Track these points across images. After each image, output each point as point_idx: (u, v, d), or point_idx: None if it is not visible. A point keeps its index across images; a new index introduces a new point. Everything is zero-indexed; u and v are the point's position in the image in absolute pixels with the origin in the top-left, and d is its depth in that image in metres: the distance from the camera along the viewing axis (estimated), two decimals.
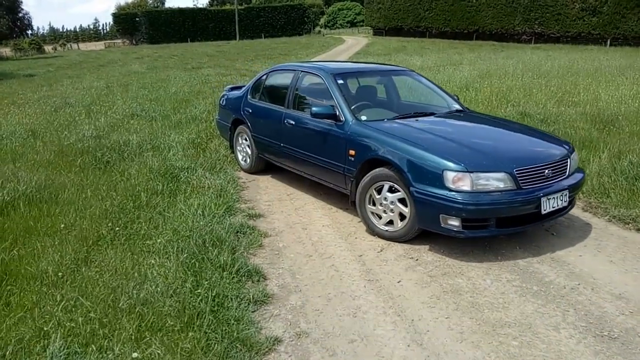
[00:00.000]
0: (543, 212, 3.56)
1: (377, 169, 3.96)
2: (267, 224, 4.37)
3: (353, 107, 4.45)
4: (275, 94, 5.57)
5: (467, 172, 3.42)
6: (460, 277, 3.38)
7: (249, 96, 5.84)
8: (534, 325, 2.80)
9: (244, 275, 3.25)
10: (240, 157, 6.13)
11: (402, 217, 3.89)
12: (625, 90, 10.65)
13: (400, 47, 32.87)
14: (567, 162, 3.85)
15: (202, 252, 3.43)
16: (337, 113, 4.37)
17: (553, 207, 3.63)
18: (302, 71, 5.13)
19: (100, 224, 3.97)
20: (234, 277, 3.18)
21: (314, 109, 4.41)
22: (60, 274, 3.19)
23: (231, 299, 2.93)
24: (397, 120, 4.36)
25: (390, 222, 3.97)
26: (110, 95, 12.73)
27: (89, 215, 4.13)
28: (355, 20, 58.59)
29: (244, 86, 6.66)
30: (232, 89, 6.59)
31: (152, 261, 3.34)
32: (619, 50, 26.44)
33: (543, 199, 3.54)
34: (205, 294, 2.88)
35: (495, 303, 3.05)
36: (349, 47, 35.44)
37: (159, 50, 39.50)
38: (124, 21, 56.25)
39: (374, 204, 4.05)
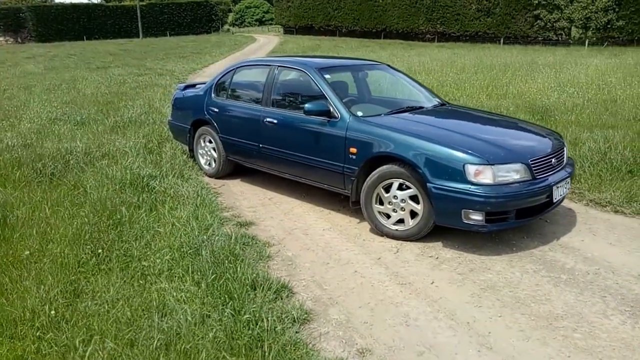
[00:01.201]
0: (554, 200, 3.62)
1: (384, 166, 3.79)
2: (263, 232, 4.02)
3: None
4: (248, 91, 5.18)
5: (489, 164, 3.37)
6: (489, 272, 3.32)
7: (212, 95, 5.38)
8: (585, 315, 2.80)
9: (275, 292, 2.91)
10: (203, 161, 5.64)
11: (412, 215, 3.77)
12: (541, 83, 11.53)
13: (314, 45, 33.01)
14: (564, 151, 3.97)
15: (218, 269, 3.03)
16: (331, 110, 4.14)
17: (560, 195, 3.71)
18: (279, 66, 4.81)
19: (77, 247, 3.38)
20: (265, 294, 2.83)
21: (307, 105, 4.13)
22: (52, 312, 2.64)
23: (273, 320, 2.60)
24: (394, 115, 4.22)
25: (400, 221, 3.83)
26: (13, 99, 11.28)
27: (58, 238, 3.50)
28: (264, 19, 57.99)
29: (198, 84, 6.18)
30: (186, 87, 6.06)
31: (163, 285, 2.89)
32: (512, 48, 28.74)
33: (554, 188, 3.59)
34: (247, 318, 2.52)
35: (536, 296, 3.01)
36: (262, 46, 34.93)
37: (53, 49, 36.05)
38: (6, 17, 50.57)
39: (381, 203, 3.88)
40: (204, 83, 6.12)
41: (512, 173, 3.44)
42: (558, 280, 3.20)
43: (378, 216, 3.91)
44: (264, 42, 38.54)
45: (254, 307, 2.65)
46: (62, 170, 4.96)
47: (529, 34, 33.11)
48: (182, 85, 6.06)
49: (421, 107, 4.58)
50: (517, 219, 3.51)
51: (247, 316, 2.52)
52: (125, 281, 2.97)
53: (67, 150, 5.45)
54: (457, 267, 3.40)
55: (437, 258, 3.55)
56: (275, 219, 4.35)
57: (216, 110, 5.27)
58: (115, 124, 7.30)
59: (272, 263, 3.46)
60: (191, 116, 5.63)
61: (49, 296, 2.79)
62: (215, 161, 5.47)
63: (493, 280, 3.21)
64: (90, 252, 3.31)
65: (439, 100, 4.92)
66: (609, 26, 30.36)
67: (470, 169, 3.38)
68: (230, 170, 5.48)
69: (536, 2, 32.21)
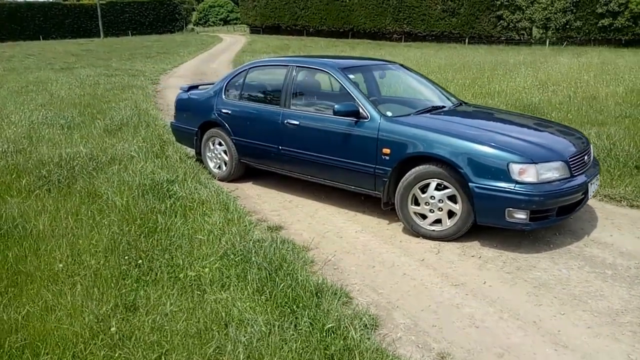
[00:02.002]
0: (589, 197, 3.69)
1: (421, 167, 3.77)
2: (296, 236, 3.93)
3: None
4: (263, 92, 5.06)
5: (533, 163, 3.40)
6: (536, 270, 3.35)
7: (223, 96, 5.23)
8: None
9: (337, 298, 2.83)
10: (212, 164, 5.48)
11: (449, 215, 3.76)
12: (521, 82, 11.85)
13: (282, 45, 32.84)
14: (591, 149, 4.06)
15: (277, 276, 2.92)
16: (361, 110, 4.08)
17: (592, 192, 3.79)
18: (297, 66, 4.71)
19: (114, 257, 3.20)
20: (330, 302, 2.75)
21: (336, 106, 4.05)
22: (112, 328, 2.47)
23: (345, 327, 2.53)
24: (424, 115, 4.21)
25: (437, 222, 3.81)
26: None
27: (91, 249, 3.30)
28: (229, 18, 57.19)
29: (204, 85, 6.00)
30: (190, 88, 5.86)
31: (222, 296, 2.76)
32: (479, 48, 29.50)
33: (589, 185, 3.67)
34: (326, 328, 2.44)
35: (590, 292, 3.06)
36: (229, 46, 34.49)
37: (8, 49, 34.40)
38: None
39: (416, 204, 3.86)
40: (209, 84, 5.95)
41: (554, 171, 3.49)
42: (605, 275, 3.26)
43: (414, 217, 3.88)
44: (231, 42, 38.06)
45: (324, 316, 2.57)
46: (69, 177, 4.70)
47: (492, 34, 34.04)
48: (186, 86, 5.86)
49: (443, 107, 4.59)
50: (557, 217, 3.56)
51: (331, 324, 2.43)
52: (179, 292, 2.82)
53: (69, 155, 5.16)
54: (503, 266, 3.41)
55: (480, 257, 3.55)
56: (303, 222, 4.26)
57: (228, 111, 5.12)
58: (107, 127, 7.00)
59: (314, 267, 3.38)
60: (199, 118, 5.45)
61: (102, 311, 2.62)
62: (226, 164, 5.31)
63: (543, 278, 3.24)
64: (130, 263, 3.14)
65: (455, 99, 4.94)
66: (567, 26, 31.56)
67: (515, 168, 3.40)
68: (242, 173, 5.34)
69: (499, 3, 33.16)
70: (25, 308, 2.62)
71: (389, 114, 4.11)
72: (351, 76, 4.40)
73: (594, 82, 11.41)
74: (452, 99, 4.95)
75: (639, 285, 3.13)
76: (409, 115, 4.19)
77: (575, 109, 8.47)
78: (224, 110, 5.16)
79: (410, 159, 3.84)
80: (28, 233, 3.53)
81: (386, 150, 3.92)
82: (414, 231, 3.91)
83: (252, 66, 5.22)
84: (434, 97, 4.91)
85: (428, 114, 4.26)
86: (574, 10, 31.16)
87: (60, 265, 3.11)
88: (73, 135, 6.41)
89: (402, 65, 5.36)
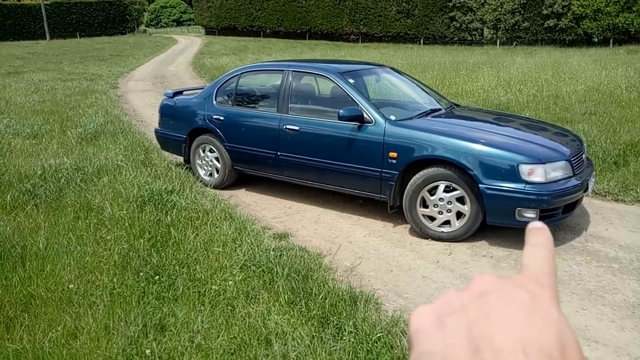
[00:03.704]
0: (589, 194, 3.85)
1: (429, 169, 3.81)
2: (307, 244, 3.88)
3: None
4: (258, 97, 4.98)
5: (541, 163, 3.51)
6: None
7: (214, 102, 5.10)
8: None
9: (372, 305, 2.82)
10: (202, 172, 5.33)
11: (458, 216, 3.83)
12: (486, 82, 12.23)
13: (241, 46, 32.48)
14: (585, 148, 4.23)
15: (307, 286, 2.87)
16: (365, 115, 4.08)
17: (592, 189, 3.96)
18: (294, 71, 4.66)
19: (127, 274, 3.05)
20: (366, 309, 2.74)
21: (340, 111, 4.03)
22: (148, 350, 2.35)
23: (393, 336, 2.51)
24: (426, 118, 4.26)
25: (446, 223, 3.87)
26: None
27: (101, 266, 3.14)
28: (182, 19, 55.86)
29: (189, 90, 5.84)
30: (175, 94, 5.68)
31: (253, 309, 2.69)
32: (434, 48, 30.23)
33: (589, 182, 3.82)
34: (379, 336, 2.42)
35: (604, 286, 3.19)
36: (185, 47, 33.78)
37: None
38: None
39: (425, 206, 3.90)
40: (195, 89, 5.80)
41: (559, 170, 3.61)
42: (612, 269, 3.40)
43: (423, 219, 3.92)
44: (187, 44, 37.33)
45: (370, 324, 2.55)
46: (57, 191, 4.44)
47: (446, 35, 34.96)
48: (171, 92, 5.68)
49: (440, 109, 4.66)
50: (563, 214, 3.69)
51: (380, 333, 2.41)
52: (207, 308, 2.72)
53: (53, 167, 4.88)
54: (516, 265, 3.50)
55: (491, 257, 3.63)
56: (309, 228, 4.22)
57: (220, 117, 5.00)
58: (83, 136, 6.68)
59: (337, 275, 3.35)
60: (187, 125, 5.29)
61: (129, 333, 2.49)
62: (218, 171, 5.19)
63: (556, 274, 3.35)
64: (147, 280, 3.00)
65: (447, 101, 5.03)
66: (516, 27, 32.85)
67: (524, 169, 3.49)
68: (234, 180, 5.24)
69: (451, 4, 34.11)
70: (49, 335, 2.45)
71: (393, 117, 4.13)
72: (351, 80, 4.39)
73: (554, 81, 11.92)
74: (444, 101, 5.03)
75: None
76: (411, 118, 4.23)
77: (544, 108, 8.81)
78: (215, 117, 5.03)
79: (417, 162, 3.87)
80: (27, 253, 3.31)
81: (393, 154, 3.94)
82: (422, 233, 3.95)
83: (244, 71, 5.11)
84: (427, 100, 4.98)
85: (429, 117, 4.31)
86: (522, 12, 32.47)
87: (72, 285, 2.93)
88: (50, 145, 6.07)
89: (392, 68, 5.40)
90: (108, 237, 3.52)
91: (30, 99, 11.18)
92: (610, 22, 26.56)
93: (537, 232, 0.37)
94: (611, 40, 26.53)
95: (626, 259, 3.55)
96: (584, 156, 3.97)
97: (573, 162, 3.72)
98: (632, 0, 25.30)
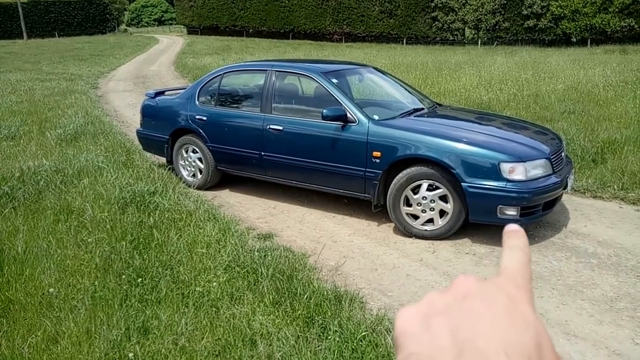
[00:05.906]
0: (568, 192, 3.92)
1: (412, 168, 3.84)
2: (292, 244, 3.88)
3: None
4: (241, 97, 4.95)
5: (521, 161, 3.56)
6: None
7: (197, 102, 5.06)
8: (634, 295, 3.07)
9: (356, 304, 2.83)
10: (185, 173, 5.29)
11: (441, 214, 3.86)
12: (467, 81, 12.36)
13: (224, 46, 32.29)
14: (564, 146, 4.30)
15: (292, 286, 2.87)
16: (348, 114, 4.10)
17: (571, 187, 4.03)
18: (277, 71, 4.65)
19: (109, 277, 3.01)
20: (351, 309, 2.75)
21: (324, 111, 4.04)
22: (131, 354, 2.33)
23: (377, 335, 2.53)
24: (409, 118, 4.29)
25: (429, 221, 3.90)
26: None
27: (82, 269, 3.09)
28: (163, 18, 55.28)
29: (171, 90, 5.79)
30: (157, 94, 5.62)
31: (238, 310, 2.68)
32: (417, 48, 30.47)
33: (568, 179, 3.89)
34: (359, 337, 2.43)
35: (583, 282, 3.25)
36: (167, 47, 33.47)
37: None
38: None
39: (408, 205, 3.93)
40: (177, 89, 5.75)
41: (540, 168, 3.67)
42: (591, 265, 3.47)
43: (406, 218, 3.95)
44: (169, 43, 37.00)
45: (355, 323, 2.56)
46: (35, 193, 4.36)
47: (428, 35, 35.23)
48: (152, 92, 5.62)
49: (422, 109, 4.70)
50: (543, 211, 3.75)
51: (365, 332, 2.42)
52: (190, 310, 2.70)
53: (32, 169, 4.79)
54: (498, 262, 3.54)
55: (474, 254, 3.68)
56: (293, 228, 4.22)
57: (203, 118, 4.97)
58: (63, 137, 6.57)
59: (322, 274, 3.36)
60: (170, 125, 5.25)
61: (112, 336, 2.46)
62: (201, 172, 5.15)
63: (537, 271, 3.41)
64: (129, 282, 2.97)
65: (430, 101, 5.08)
66: (497, 27, 33.26)
67: (505, 167, 3.54)
68: (218, 180, 5.21)
69: (433, 4, 34.39)
70: (28, 340, 2.40)
71: (376, 117, 4.16)
72: (334, 80, 4.40)
73: (534, 80, 12.10)
74: (427, 100, 5.07)
75: (624, 272, 3.36)
76: (394, 118, 4.25)
77: (524, 107, 8.95)
78: (198, 117, 4.99)
79: (401, 161, 3.90)
80: (5, 257, 3.24)
81: (377, 154, 3.96)
82: (406, 232, 3.98)
83: (226, 71, 5.09)
84: (410, 99, 5.01)
85: (412, 117, 4.35)
86: (502, 12, 32.87)
87: (52, 289, 2.89)
88: (29, 146, 5.96)
89: (375, 68, 5.43)
90: (89, 240, 3.47)
91: (7, 99, 10.95)
92: (588, 22, 27.06)
93: (514, 234, 0.39)
94: (589, 41, 27.04)
95: (604, 255, 3.62)
96: (563, 154, 4.04)
97: (553, 160, 3.78)
98: (608, 1, 25.81)
